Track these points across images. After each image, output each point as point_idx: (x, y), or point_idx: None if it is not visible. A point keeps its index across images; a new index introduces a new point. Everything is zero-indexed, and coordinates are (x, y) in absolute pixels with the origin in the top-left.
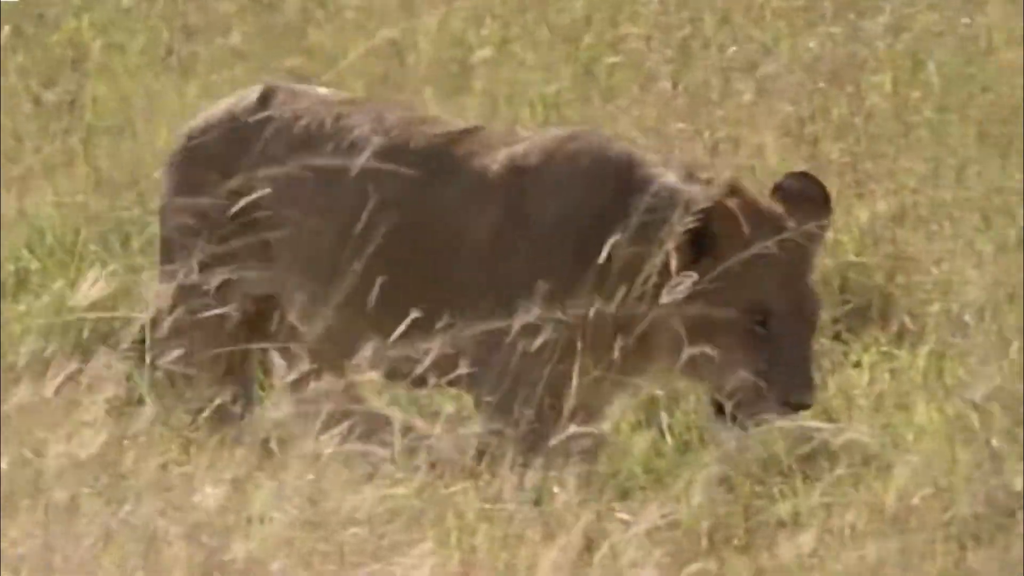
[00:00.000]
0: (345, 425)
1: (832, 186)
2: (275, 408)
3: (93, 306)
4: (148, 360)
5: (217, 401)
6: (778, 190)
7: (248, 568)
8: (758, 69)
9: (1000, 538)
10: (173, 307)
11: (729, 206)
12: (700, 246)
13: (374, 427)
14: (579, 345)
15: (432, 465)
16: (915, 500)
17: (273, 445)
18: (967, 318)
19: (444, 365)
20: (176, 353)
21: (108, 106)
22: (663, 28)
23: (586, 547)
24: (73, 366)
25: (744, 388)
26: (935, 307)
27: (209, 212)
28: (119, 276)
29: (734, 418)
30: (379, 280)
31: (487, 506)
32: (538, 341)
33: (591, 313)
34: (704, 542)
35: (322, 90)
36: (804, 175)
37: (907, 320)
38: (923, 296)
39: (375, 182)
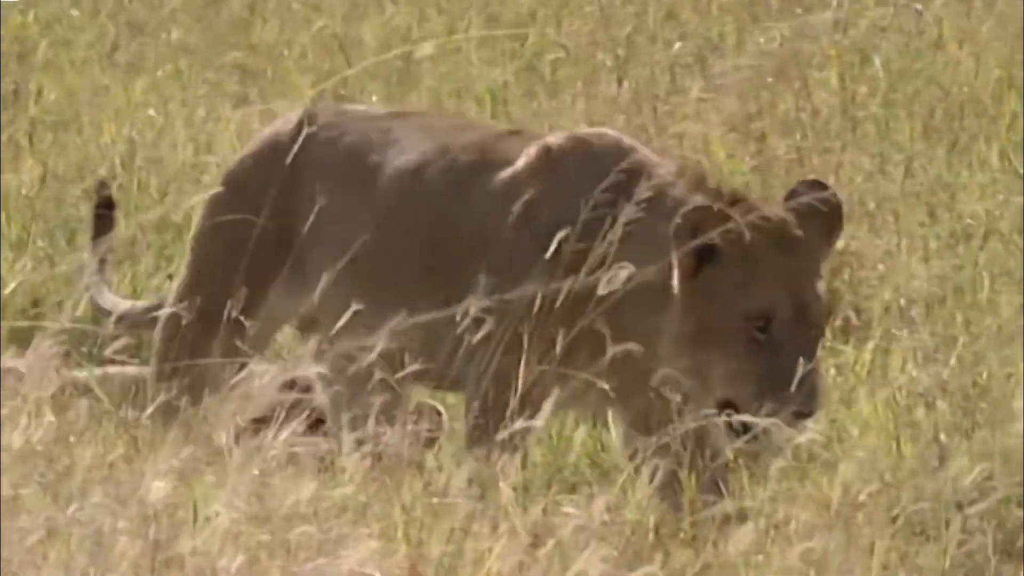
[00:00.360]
0: (294, 419)
1: (778, 181)
2: (223, 404)
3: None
4: (153, 376)
5: (163, 397)
6: (790, 198)
7: (194, 563)
8: (704, 65)
9: (945, 533)
10: (188, 335)
11: (730, 214)
12: (703, 254)
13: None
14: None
15: (378, 458)
16: (861, 495)
17: (220, 440)
18: (913, 312)
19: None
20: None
21: (54, 101)
22: (608, 23)
23: (533, 542)
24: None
25: (747, 398)
26: (880, 302)
27: (251, 241)
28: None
29: (743, 428)
30: (420, 291)
31: (434, 500)
32: (481, 333)
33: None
34: (650, 536)
35: (361, 107)
36: (816, 183)
37: (852, 315)
38: (868, 291)
39: (415, 194)
